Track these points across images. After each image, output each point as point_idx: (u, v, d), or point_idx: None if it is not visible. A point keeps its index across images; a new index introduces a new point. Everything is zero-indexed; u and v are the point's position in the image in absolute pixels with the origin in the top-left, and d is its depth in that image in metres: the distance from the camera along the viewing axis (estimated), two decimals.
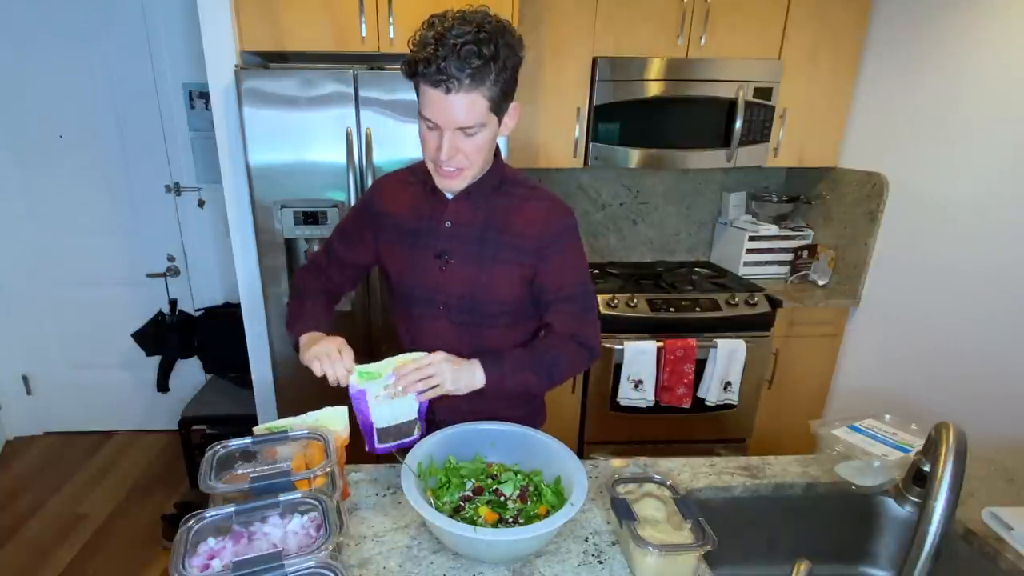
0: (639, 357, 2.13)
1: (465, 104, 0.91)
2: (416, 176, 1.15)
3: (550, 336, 1.14)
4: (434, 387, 1.01)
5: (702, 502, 1.09)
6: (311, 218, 1.91)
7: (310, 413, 1.03)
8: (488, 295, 1.10)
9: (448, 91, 0.89)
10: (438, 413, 1.14)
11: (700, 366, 2.19)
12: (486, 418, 1.09)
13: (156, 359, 2.72)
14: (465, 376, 1.03)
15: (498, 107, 0.95)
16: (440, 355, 1.03)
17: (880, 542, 1.12)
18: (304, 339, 1.09)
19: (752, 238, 2.48)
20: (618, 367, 2.17)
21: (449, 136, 0.94)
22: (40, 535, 2.27)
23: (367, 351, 2.04)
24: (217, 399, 2.52)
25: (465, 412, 1.12)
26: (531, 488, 0.98)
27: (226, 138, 1.95)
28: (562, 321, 1.13)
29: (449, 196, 1.09)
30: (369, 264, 1.23)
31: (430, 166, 1.02)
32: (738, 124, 2.19)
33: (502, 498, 0.96)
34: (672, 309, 2.19)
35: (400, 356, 1.03)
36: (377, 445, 1.01)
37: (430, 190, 1.10)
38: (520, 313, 1.15)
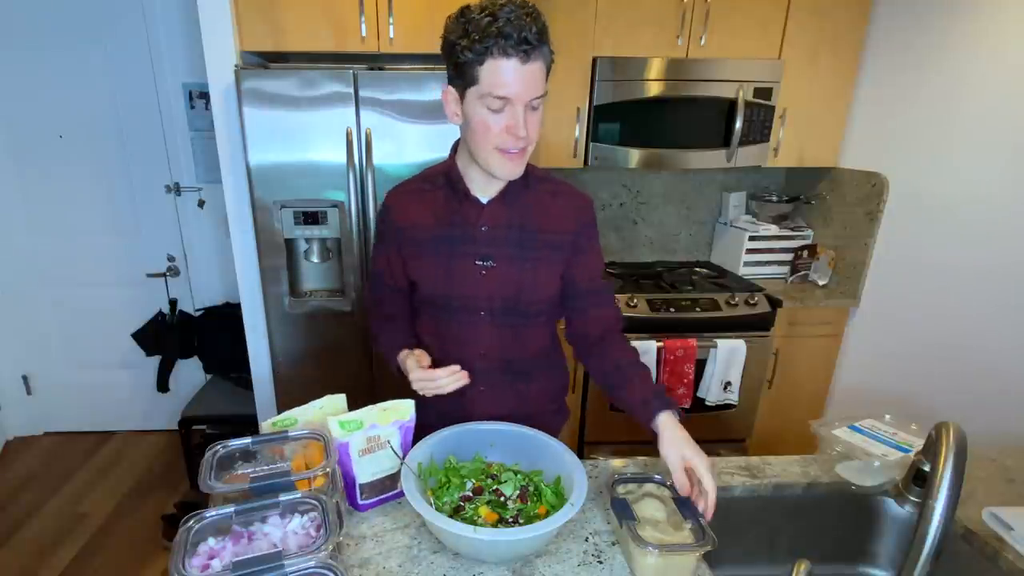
0: None
1: (537, 71, 0.92)
2: (432, 183, 1.12)
3: (619, 350, 1.12)
4: None
5: None
6: (311, 218, 1.91)
7: (313, 402, 1.05)
8: (530, 294, 1.11)
9: (527, 58, 0.89)
10: (474, 415, 1.12)
11: (700, 366, 2.19)
12: (524, 417, 1.09)
13: (156, 359, 2.72)
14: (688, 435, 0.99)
15: (546, 79, 0.96)
16: (709, 471, 0.93)
17: (880, 542, 1.12)
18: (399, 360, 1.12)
19: (752, 238, 2.48)
20: None
21: (521, 110, 0.93)
22: (40, 535, 2.27)
23: (367, 353, 2.05)
24: (217, 399, 2.52)
25: (503, 413, 1.11)
26: (531, 488, 0.98)
27: (226, 138, 1.95)
28: (598, 317, 1.16)
29: (483, 200, 1.08)
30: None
31: (493, 155, 0.98)
32: (738, 124, 2.19)
33: (502, 498, 0.96)
34: (672, 309, 2.19)
35: (383, 404, 1.01)
36: (360, 501, 0.99)
37: (461, 195, 1.08)
38: (556, 308, 1.17)
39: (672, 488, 0.97)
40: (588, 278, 1.14)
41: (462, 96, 0.97)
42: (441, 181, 1.10)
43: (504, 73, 0.90)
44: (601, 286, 1.16)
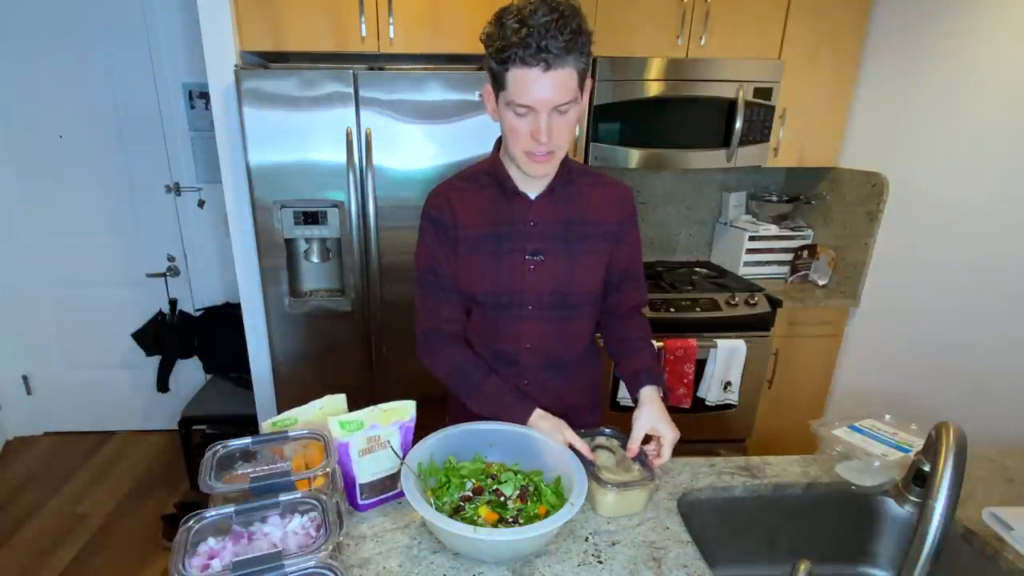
0: None
1: (561, 79, 0.92)
2: (476, 182, 1.12)
3: (636, 327, 1.20)
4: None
5: (702, 502, 1.09)
6: (311, 218, 1.91)
7: (313, 402, 1.05)
8: (578, 286, 1.13)
9: (548, 67, 0.90)
10: None
11: (700, 366, 2.19)
12: (562, 412, 1.11)
13: (156, 359, 2.72)
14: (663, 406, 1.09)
15: (582, 82, 0.97)
16: (671, 429, 1.05)
17: (880, 542, 1.12)
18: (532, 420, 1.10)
19: (752, 238, 2.48)
20: None
21: (546, 117, 0.94)
22: (40, 535, 2.27)
23: (367, 353, 2.05)
24: (217, 399, 2.52)
25: (543, 408, 1.11)
26: (531, 488, 0.98)
27: (226, 138, 1.96)
28: (630, 297, 1.22)
29: (532, 196, 1.10)
30: None
31: (520, 156, 1.01)
32: (738, 124, 2.19)
33: (502, 498, 0.96)
34: (672, 309, 2.19)
35: (384, 405, 1.01)
36: (360, 501, 0.99)
37: (510, 192, 1.09)
38: (599, 300, 1.21)
39: (618, 437, 1.10)
40: (626, 263, 1.19)
41: (496, 98, 0.99)
42: (486, 180, 1.12)
43: (526, 82, 0.92)
44: (638, 271, 1.22)
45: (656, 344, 2.12)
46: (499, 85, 0.96)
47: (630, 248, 1.19)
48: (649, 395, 1.09)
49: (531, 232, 1.10)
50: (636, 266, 1.21)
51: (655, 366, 1.14)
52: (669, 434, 1.04)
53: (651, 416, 1.05)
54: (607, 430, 1.13)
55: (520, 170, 1.06)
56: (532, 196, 1.10)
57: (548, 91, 0.92)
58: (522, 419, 1.08)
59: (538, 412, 1.09)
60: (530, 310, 1.13)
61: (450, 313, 1.17)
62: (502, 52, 0.91)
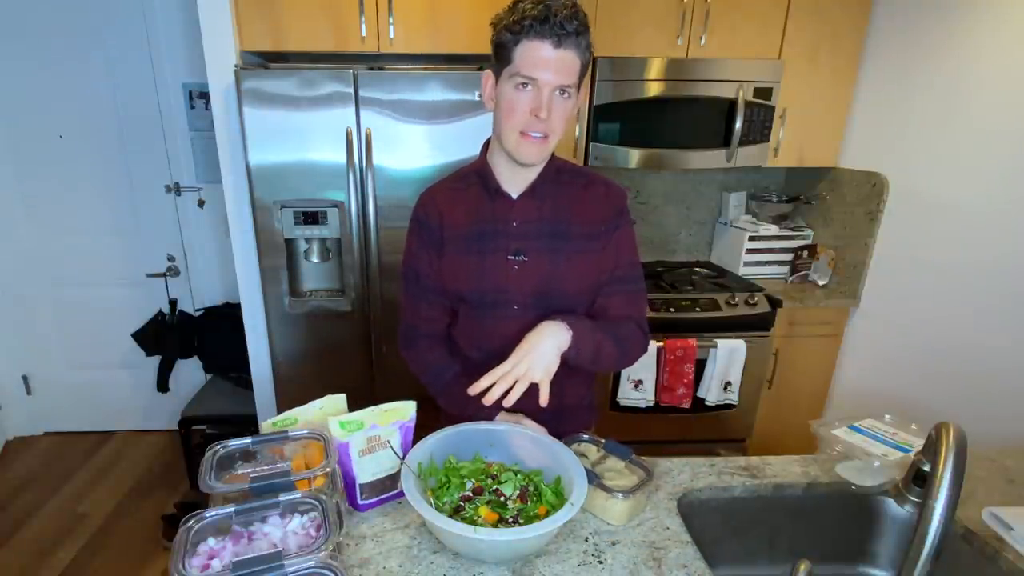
0: None
1: (568, 61, 0.95)
2: (465, 182, 1.13)
3: (609, 319, 1.13)
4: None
5: (702, 502, 1.09)
6: (311, 218, 1.91)
7: (313, 402, 1.05)
8: (563, 288, 1.11)
9: (559, 44, 0.93)
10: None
11: (700, 366, 2.19)
12: (557, 411, 1.10)
13: (156, 359, 2.72)
14: (551, 342, 1.00)
15: (582, 77, 0.99)
16: (518, 355, 0.99)
17: (880, 542, 1.12)
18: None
19: (752, 238, 2.48)
20: None
21: (547, 94, 0.96)
22: (40, 535, 2.27)
23: (367, 353, 2.05)
24: (217, 399, 2.52)
25: (536, 407, 1.09)
26: (531, 488, 0.98)
27: (226, 138, 1.96)
28: (618, 303, 1.13)
29: (514, 195, 1.10)
30: None
31: (514, 138, 1.01)
32: (738, 124, 2.19)
33: (502, 498, 0.96)
34: (672, 309, 2.19)
35: (384, 405, 1.01)
36: (360, 501, 0.99)
37: (493, 191, 1.09)
38: (591, 302, 1.16)
39: (595, 441, 1.10)
40: (612, 267, 1.14)
41: (497, 78, 1.01)
42: (474, 179, 1.12)
43: (535, 54, 0.94)
44: (628, 276, 1.15)
45: (656, 344, 2.13)
46: (504, 60, 0.97)
47: (614, 250, 1.12)
48: (545, 322, 1.01)
49: (513, 232, 1.09)
50: (624, 270, 1.13)
51: (593, 328, 1.05)
52: (519, 348, 0.98)
53: (526, 341, 0.99)
54: (584, 436, 1.12)
55: (509, 161, 1.05)
56: (514, 196, 1.10)
57: (554, 67, 0.94)
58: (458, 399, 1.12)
59: (500, 414, 1.10)
60: (515, 310, 1.12)
61: (429, 312, 1.19)
62: (518, 23, 0.93)
